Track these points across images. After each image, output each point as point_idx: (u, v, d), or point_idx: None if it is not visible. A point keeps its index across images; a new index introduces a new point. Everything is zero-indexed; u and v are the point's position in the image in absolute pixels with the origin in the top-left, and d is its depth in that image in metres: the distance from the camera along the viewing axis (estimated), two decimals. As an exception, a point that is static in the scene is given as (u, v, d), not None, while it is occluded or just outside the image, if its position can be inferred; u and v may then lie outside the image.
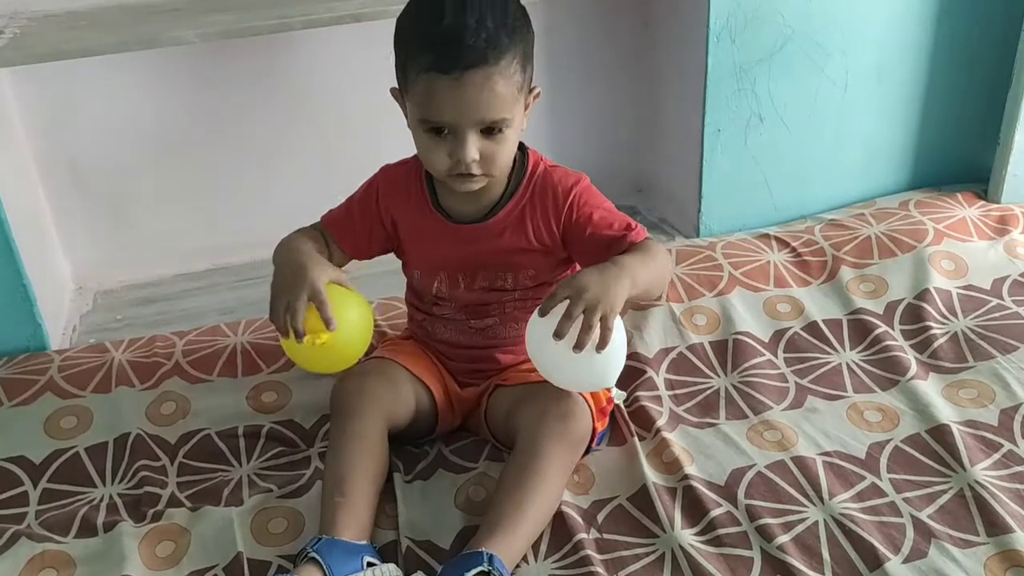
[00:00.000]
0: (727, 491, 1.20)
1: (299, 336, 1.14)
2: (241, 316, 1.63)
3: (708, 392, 1.39)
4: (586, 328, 1.08)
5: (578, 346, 1.08)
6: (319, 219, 1.34)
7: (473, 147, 1.15)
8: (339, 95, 1.79)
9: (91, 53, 1.44)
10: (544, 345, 1.12)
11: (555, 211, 1.25)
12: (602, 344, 1.10)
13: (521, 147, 1.26)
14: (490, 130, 1.15)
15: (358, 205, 1.31)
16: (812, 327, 1.51)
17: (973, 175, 1.88)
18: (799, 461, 1.24)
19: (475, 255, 1.26)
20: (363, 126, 1.79)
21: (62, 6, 1.59)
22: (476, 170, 1.16)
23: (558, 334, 1.08)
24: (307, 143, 1.81)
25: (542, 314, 1.11)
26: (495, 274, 1.27)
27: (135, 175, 1.77)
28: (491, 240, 1.25)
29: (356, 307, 1.22)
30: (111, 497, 1.25)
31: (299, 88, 1.77)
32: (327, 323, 1.14)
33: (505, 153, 1.18)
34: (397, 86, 1.20)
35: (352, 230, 1.31)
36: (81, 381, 1.44)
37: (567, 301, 1.09)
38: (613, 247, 1.21)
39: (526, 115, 1.20)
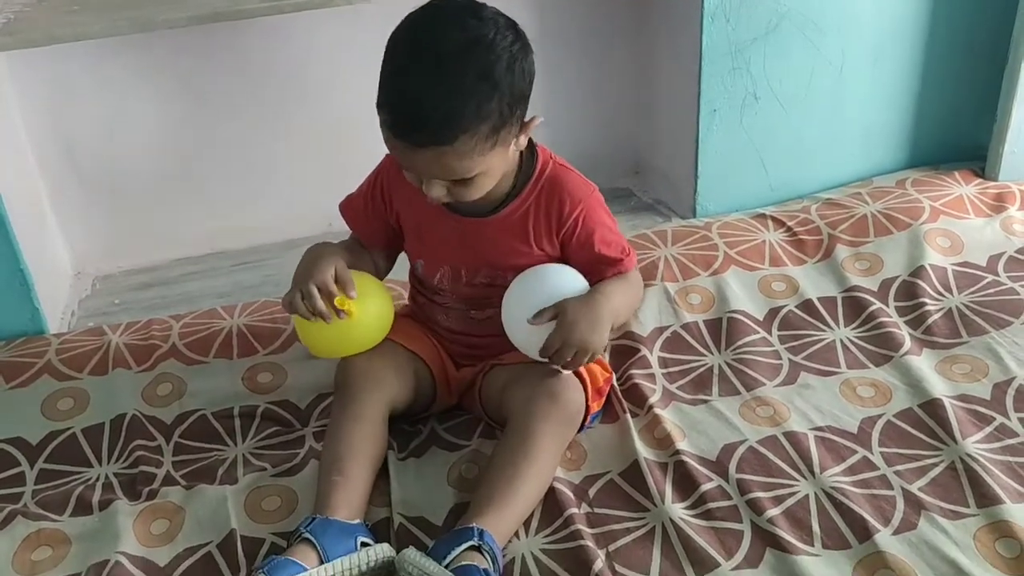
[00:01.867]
0: (718, 466, 1.20)
1: (323, 316, 1.17)
2: (238, 300, 1.64)
3: (701, 369, 1.39)
4: (571, 368, 1.19)
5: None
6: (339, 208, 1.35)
7: (437, 190, 1.14)
8: (337, 78, 1.79)
9: (84, 37, 1.45)
10: (520, 332, 1.21)
11: (558, 221, 1.24)
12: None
13: (530, 143, 1.24)
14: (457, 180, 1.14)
15: (368, 198, 1.31)
16: (807, 305, 1.51)
17: (971, 153, 1.88)
18: (791, 436, 1.24)
19: (477, 249, 1.26)
20: (361, 109, 1.77)
21: (56, -10, 1.60)
22: (445, 200, 1.16)
23: (543, 354, 1.18)
24: (305, 127, 1.82)
25: (533, 322, 1.18)
26: (495, 271, 1.26)
27: (133, 161, 1.77)
28: (492, 237, 1.24)
29: (376, 296, 1.24)
30: (107, 477, 1.26)
31: (296, 72, 1.77)
32: (345, 295, 1.18)
33: (478, 192, 1.16)
34: None
35: (370, 226, 1.32)
36: (78, 363, 1.45)
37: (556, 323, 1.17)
38: (605, 268, 1.26)
39: (518, 143, 1.17)
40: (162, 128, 1.76)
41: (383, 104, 1.10)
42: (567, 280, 1.22)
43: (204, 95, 1.75)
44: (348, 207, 1.33)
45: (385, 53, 1.12)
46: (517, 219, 1.24)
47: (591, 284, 1.24)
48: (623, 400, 1.32)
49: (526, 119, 1.16)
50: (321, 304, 1.17)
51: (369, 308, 1.23)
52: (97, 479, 1.26)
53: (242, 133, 1.80)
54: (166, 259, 1.84)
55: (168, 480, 1.24)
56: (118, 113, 1.72)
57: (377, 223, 1.31)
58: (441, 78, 1.06)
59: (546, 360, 1.20)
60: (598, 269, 1.26)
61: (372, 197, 1.30)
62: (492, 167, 1.14)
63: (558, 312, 1.17)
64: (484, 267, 1.26)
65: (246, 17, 1.51)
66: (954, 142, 1.89)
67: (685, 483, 1.18)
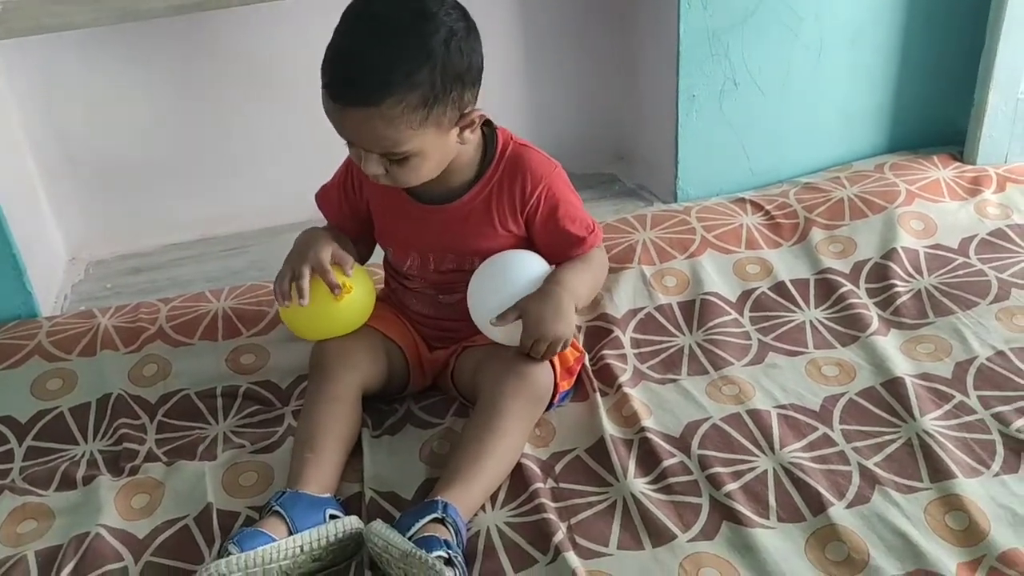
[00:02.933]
0: (681, 442, 1.23)
1: (303, 297, 1.21)
2: (226, 284, 1.67)
3: (672, 350, 1.42)
4: (548, 356, 1.22)
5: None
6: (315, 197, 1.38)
7: (373, 165, 1.16)
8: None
9: (69, 27, 1.49)
10: (487, 329, 1.25)
11: (521, 199, 1.26)
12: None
13: (489, 124, 1.27)
14: (391, 156, 1.16)
15: (340, 188, 1.34)
16: (779, 287, 1.54)
17: (951, 137, 1.89)
18: (754, 414, 1.27)
19: (442, 237, 1.28)
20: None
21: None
22: (384, 182, 1.19)
23: (521, 346, 1.22)
24: (291, 115, 1.84)
25: (496, 324, 1.22)
26: (462, 256, 1.29)
27: (126, 148, 1.81)
28: (457, 223, 1.27)
29: (361, 281, 1.28)
30: (91, 454, 1.30)
31: (284, 59, 1.79)
32: (331, 288, 1.22)
33: (415, 176, 1.18)
34: None
35: (345, 216, 1.35)
36: (68, 345, 1.49)
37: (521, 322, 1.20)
38: (570, 246, 1.28)
39: (463, 138, 1.18)
40: (153, 115, 1.79)
41: (326, 58, 1.14)
42: (525, 272, 1.25)
43: (194, 82, 1.78)
44: (324, 197, 1.37)
45: (347, 8, 1.16)
46: (480, 203, 1.26)
47: (556, 264, 1.27)
48: (593, 379, 1.35)
49: (467, 109, 1.17)
50: (305, 283, 1.20)
51: (356, 291, 1.27)
52: (82, 456, 1.30)
53: (231, 120, 1.83)
54: (157, 245, 1.88)
55: (150, 456, 1.28)
56: (110, 100, 1.76)
57: (351, 212, 1.34)
58: (376, 40, 1.10)
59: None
60: (563, 248, 1.28)
61: (344, 187, 1.33)
62: (426, 148, 1.15)
63: (520, 313, 1.20)
64: (450, 253, 1.29)
65: (230, 6, 1.54)
66: (934, 126, 1.91)
67: (648, 459, 1.21)
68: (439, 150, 1.18)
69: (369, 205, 1.33)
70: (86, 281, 1.79)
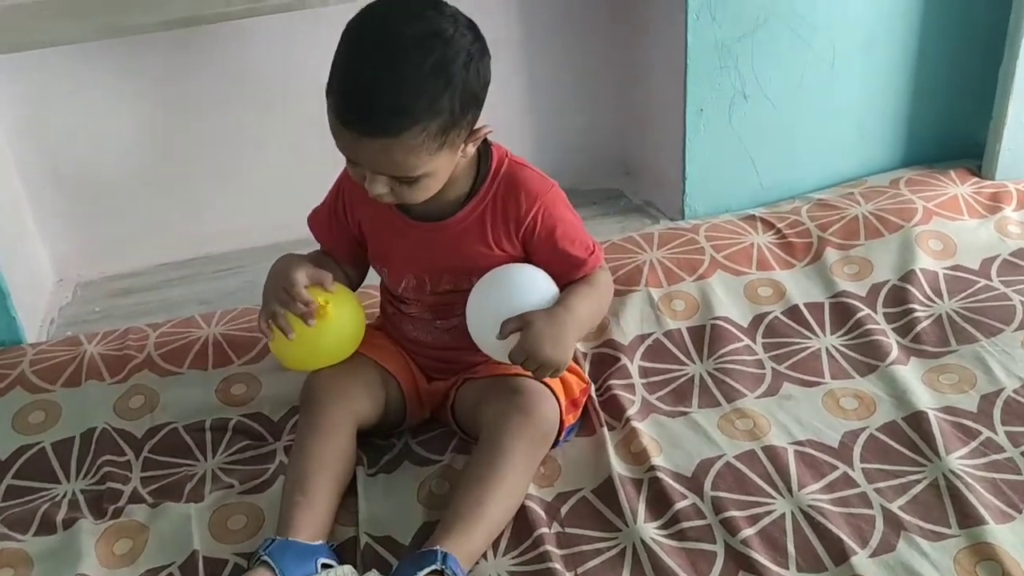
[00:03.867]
0: (694, 483, 1.17)
1: (286, 333, 1.16)
2: (219, 306, 1.61)
3: (682, 379, 1.36)
4: (536, 378, 1.18)
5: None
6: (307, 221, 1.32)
7: (380, 187, 1.10)
8: (319, 80, 1.74)
9: (56, 43, 1.44)
10: (486, 342, 1.18)
11: (516, 219, 1.20)
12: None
13: (485, 143, 1.21)
14: (401, 180, 1.11)
15: (331, 210, 1.28)
16: (793, 311, 1.47)
17: (967, 151, 1.83)
18: (769, 451, 1.20)
19: (436, 255, 1.22)
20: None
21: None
22: (388, 200, 1.13)
23: (511, 360, 1.15)
24: (284, 130, 1.79)
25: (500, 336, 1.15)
26: (459, 276, 1.23)
27: (115, 166, 1.75)
28: (451, 242, 1.21)
29: (347, 304, 1.22)
30: (73, 493, 1.24)
31: (277, 73, 1.74)
32: (304, 319, 1.16)
33: (422, 194, 1.13)
34: None
35: (336, 239, 1.29)
36: (51, 375, 1.43)
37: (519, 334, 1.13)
38: (571, 268, 1.22)
39: (466, 151, 1.14)
40: (142, 131, 1.73)
41: (333, 90, 1.07)
42: (531, 285, 1.18)
43: (184, 97, 1.72)
44: (315, 220, 1.30)
45: (341, 38, 1.09)
46: (474, 221, 1.20)
47: (558, 286, 1.21)
48: (600, 412, 1.29)
49: (476, 126, 1.12)
50: (282, 321, 1.16)
51: (341, 315, 1.20)
52: (64, 496, 1.24)
53: (223, 136, 1.77)
54: (148, 264, 1.82)
55: (135, 497, 1.22)
56: (98, 116, 1.70)
57: (343, 235, 1.28)
58: (395, 67, 1.03)
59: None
60: (564, 270, 1.21)
61: (335, 209, 1.27)
62: (438, 169, 1.10)
63: (523, 325, 1.14)
64: (446, 273, 1.23)
65: (220, 20, 1.48)
66: (950, 139, 1.84)
67: (659, 501, 1.14)
68: (448, 168, 1.13)
69: (361, 227, 1.27)
70: (74, 304, 1.73)
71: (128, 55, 1.65)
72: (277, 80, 1.74)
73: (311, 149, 1.79)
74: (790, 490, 1.15)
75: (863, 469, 1.17)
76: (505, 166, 1.21)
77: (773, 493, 1.15)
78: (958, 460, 1.16)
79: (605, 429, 1.26)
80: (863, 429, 1.24)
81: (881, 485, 1.15)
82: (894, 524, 1.09)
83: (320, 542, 1.09)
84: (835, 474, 1.17)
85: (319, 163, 1.76)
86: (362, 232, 1.27)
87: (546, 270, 1.21)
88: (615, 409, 1.30)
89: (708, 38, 1.63)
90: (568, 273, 1.22)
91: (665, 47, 1.71)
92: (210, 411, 1.36)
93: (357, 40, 1.07)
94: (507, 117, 1.69)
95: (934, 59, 1.78)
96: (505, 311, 1.15)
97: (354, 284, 1.31)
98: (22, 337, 1.56)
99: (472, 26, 1.09)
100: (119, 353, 1.47)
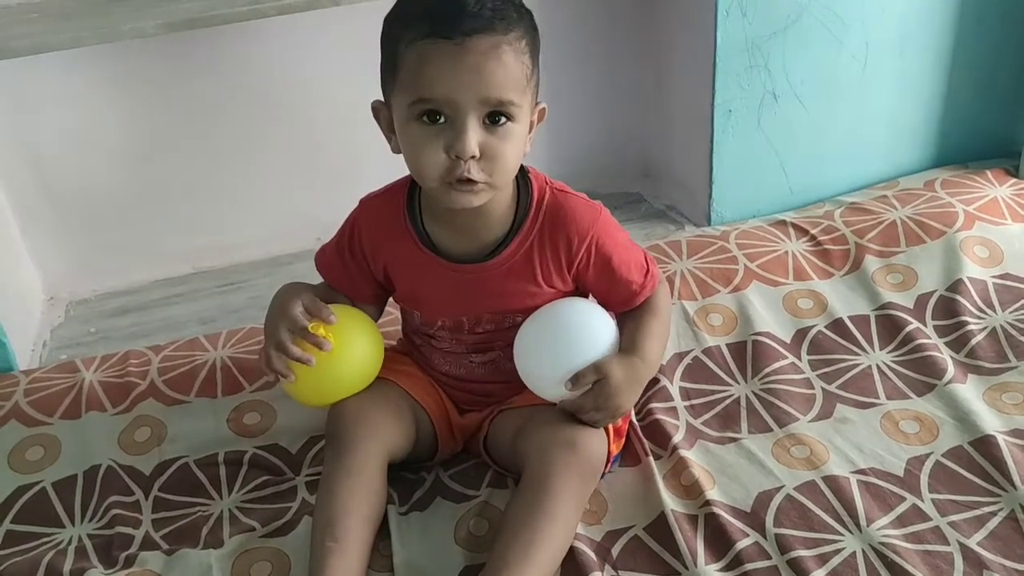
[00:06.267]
0: (754, 518, 1.09)
1: (286, 376, 1.08)
2: (222, 325, 1.53)
3: (728, 402, 1.28)
4: (596, 426, 1.10)
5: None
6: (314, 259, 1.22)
7: (474, 137, 0.98)
8: (320, 86, 1.66)
9: (43, 50, 1.33)
10: (548, 391, 1.11)
11: (567, 255, 1.11)
12: None
13: (522, 170, 1.11)
14: (494, 118, 0.99)
15: (345, 250, 1.17)
16: (837, 325, 1.40)
17: (1003, 150, 1.76)
18: (831, 481, 1.13)
19: (478, 298, 1.13)
20: (346, 120, 1.67)
21: (13, -5, 1.47)
22: (477, 173, 1.00)
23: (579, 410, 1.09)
24: (287, 138, 1.70)
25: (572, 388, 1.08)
26: (502, 317, 1.14)
27: (107, 177, 1.65)
28: (495, 282, 1.11)
29: (357, 328, 1.13)
30: (79, 539, 1.14)
31: (277, 81, 1.65)
32: (302, 362, 1.07)
33: (510, 154, 1.02)
34: (382, 98, 1.07)
35: (349, 280, 1.18)
36: (49, 406, 1.33)
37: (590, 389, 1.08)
38: (631, 296, 1.15)
39: (530, 136, 1.06)
40: (136, 141, 1.63)
41: (421, 17, 0.98)
42: (592, 328, 1.10)
43: (180, 105, 1.63)
44: (323, 260, 1.20)
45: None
46: (520, 260, 1.11)
47: (616, 315, 1.13)
48: (644, 440, 1.21)
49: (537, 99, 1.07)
50: (297, 352, 1.06)
51: (352, 342, 1.11)
52: (69, 542, 1.14)
53: (222, 144, 1.68)
54: (145, 281, 1.72)
55: (147, 543, 1.12)
56: (88, 126, 1.60)
57: (357, 276, 1.18)
58: None
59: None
60: (624, 298, 1.14)
61: (350, 250, 1.17)
62: (521, 124, 1.02)
63: (600, 376, 1.06)
64: (488, 314, 1.14)
65: (223, 23, 1.38)
66: (985, 138, 1.78)
67: (718, 540, 1.06)
68: (522, 140, 1.04)
69: (387, 271, 1.17)
70: (67, 324, 1.63)
71: (121, 58, 1.55)
72: (278, 87, 1.65)
73: (314, 156, 1.71)
74: (858, 525, 1.07)
75: (934, 500, 1.10)
76: (548, 196, 1.11)
77: (840, 529, 1.07)
78: (1035, 489, 1.09)
79: (651, 458, 1.18)
80: (928, 455, 1.16)
81: (955, 518, 1.07)
82: (975, 563, 1.02)
83: (354, 592, 1.00)
84: (904, 506, 1.09)
85: (322, 170, 1.68)
86: (387, 276, 1.17)
87: (605, 300, 1.13)
88: (660, 436, 1.21)
89: (738, 35, 1.55)
90: (628, 301, 1.14)
91: (692, 45, 1.62)
92: (222, 443, 1.26)
93: None
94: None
95: (969, 56, 1.70)
96: (578, 361, 1.07)
97: (375, 316, 1.22)
98: (13, 364, 1.45)
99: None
100: (120, 380, 1.37)
